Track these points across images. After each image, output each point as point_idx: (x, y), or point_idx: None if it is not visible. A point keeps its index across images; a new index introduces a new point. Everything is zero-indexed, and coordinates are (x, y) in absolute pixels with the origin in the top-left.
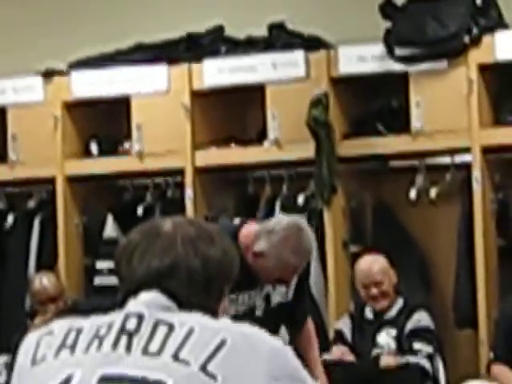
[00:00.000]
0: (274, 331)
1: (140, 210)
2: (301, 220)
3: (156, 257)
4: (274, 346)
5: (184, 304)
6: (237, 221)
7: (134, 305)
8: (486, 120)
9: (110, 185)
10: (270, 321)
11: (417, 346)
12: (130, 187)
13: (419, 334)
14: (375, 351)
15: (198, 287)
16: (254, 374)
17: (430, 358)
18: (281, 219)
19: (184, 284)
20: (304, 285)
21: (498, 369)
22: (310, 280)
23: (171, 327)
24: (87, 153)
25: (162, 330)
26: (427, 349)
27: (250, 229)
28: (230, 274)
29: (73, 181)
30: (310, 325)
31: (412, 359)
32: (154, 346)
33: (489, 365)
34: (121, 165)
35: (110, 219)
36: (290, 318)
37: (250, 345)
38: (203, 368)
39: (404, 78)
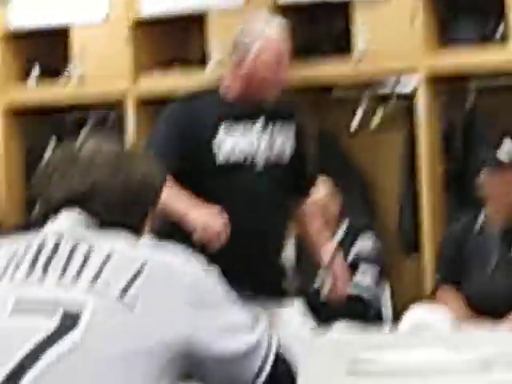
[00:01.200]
0: (272, 189)
1: (81, 137)
2: None
3: (76, 177)
4: (196, 273)
5: (105, 224)
6: None
7: (53, 225)
8: (432, 42)
9: (51, 112)
10: (269, 177)
11: (362, 269)
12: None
13: (364, 258)
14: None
15: (119, 208)
16: (174, 302)
17: (374, 286)
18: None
19: (104, 204)
20: (304, 142)
21: (443, 293)
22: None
23: (91, 248)
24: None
25: (81, 252)
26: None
27: None
28: (152, 196)
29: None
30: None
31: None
32: (72, 268)
33: (435, 288)
34: (62, 92)
35: (51, 145)
36: (292, 179)
37: (170, 272)
38: (123, 293)
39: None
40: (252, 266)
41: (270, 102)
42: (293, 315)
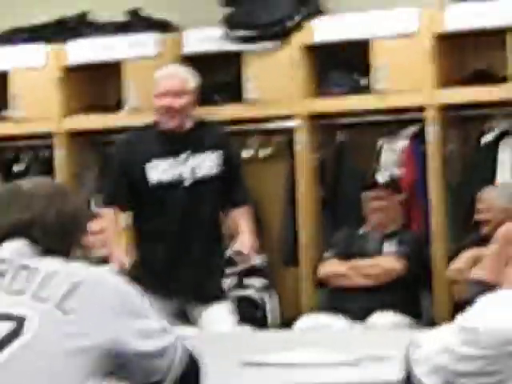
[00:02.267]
0: (199, 202)
1: (16, 168)
2: None
3: (17, 211)
4: (121, 287)
5: (44, 250)
6: None
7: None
8: (308, 91)
9: None
10: (197, 192)
11: (248, 281)
12: (9, 149)
13: (251, 271)
14: None
15: (55, 237)
16: (103, 311)
17: (261, 291)
18: None
19: (43, 234)
20: (235, 164)
21: None
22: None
23: (33, 270)
24: None
25: (24, 273)
26: (258, 283)
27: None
28: (81, 225)
29: None
30: (250, 212)
31: (244, 292)
32: (16, 286)
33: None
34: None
35: None
36: (224, 196)
37: (98, 284)
38: (59, 305)
39: (239, 56)
40: (185, 269)
41: (192, 135)
42: (219, 314)
